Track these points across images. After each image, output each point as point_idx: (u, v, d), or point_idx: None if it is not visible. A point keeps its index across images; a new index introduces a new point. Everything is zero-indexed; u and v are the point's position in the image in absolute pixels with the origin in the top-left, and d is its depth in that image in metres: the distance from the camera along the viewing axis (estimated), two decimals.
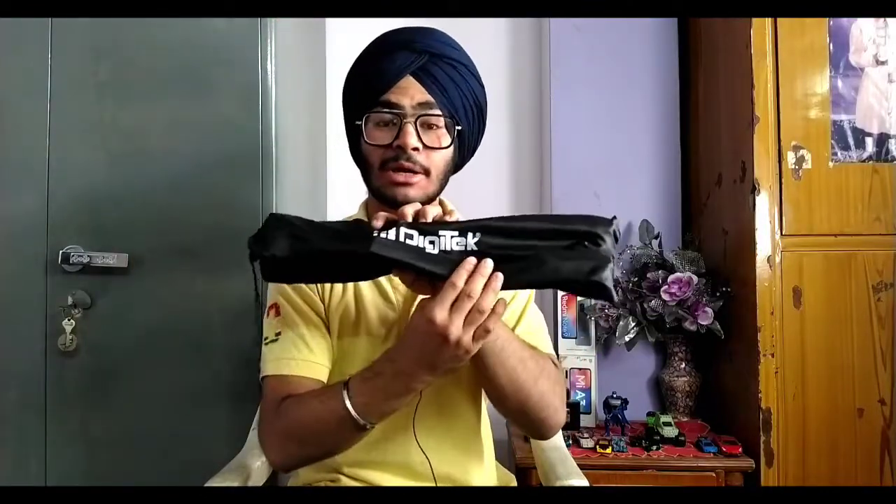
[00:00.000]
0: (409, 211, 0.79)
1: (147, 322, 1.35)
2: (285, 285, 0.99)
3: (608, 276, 0.75)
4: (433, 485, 0.98)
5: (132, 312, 1.36)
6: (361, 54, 1.00)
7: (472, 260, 0.74)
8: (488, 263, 0.74)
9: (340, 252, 0.77)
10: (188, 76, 1.36)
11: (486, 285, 0.73)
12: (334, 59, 1.99)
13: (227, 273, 1.35)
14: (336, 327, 1.00)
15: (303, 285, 0.99)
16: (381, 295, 1.01)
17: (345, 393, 0.83)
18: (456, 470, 1.01)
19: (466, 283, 0.73)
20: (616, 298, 0.78)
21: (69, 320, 1.33)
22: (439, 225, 0.77)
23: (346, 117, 1.02)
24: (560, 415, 0.95)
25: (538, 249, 0.76)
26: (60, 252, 1.33)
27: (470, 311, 0.73)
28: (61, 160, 1.36)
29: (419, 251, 0.75)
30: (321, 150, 1.90)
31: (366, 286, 1.01)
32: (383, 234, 0.75)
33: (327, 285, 1.01)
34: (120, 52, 1.36)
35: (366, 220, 0.88)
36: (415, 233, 0.76)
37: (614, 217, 0.79)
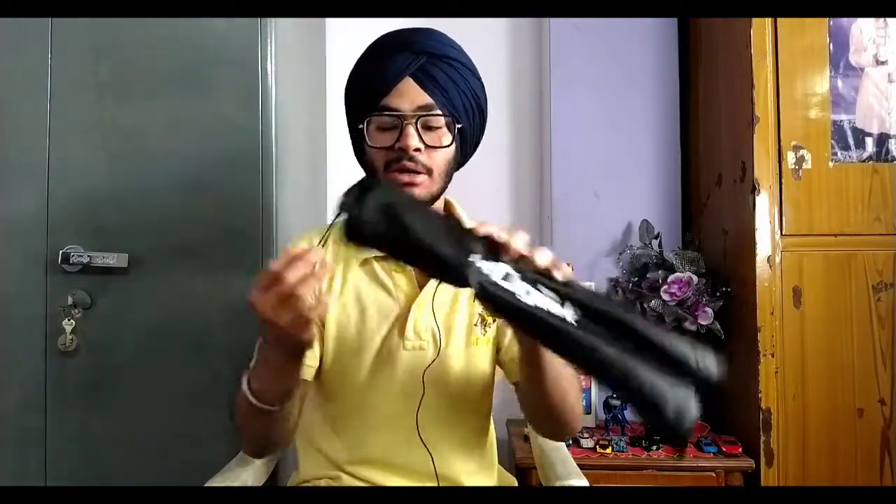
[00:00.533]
0: (519, 247, 0.72)
1: (147, 322, 1.35)
2: None
3: (691, 417, 0.64)
4: (434, 484, 0.98)
5: (132, 312, 1.36)
6: (361, 56, 1.01)
7: (301, 248, 0.73)
8: (316, 254, 0.72)
9: (431, 252, 0.70)
10: (188, 76, 1.36)
11: (308, 275, 0.72)
12: (334, 59, 2.00)
13: (227, 273, 1.35)
14: (335, 324, 1.00)
15: None
16: (382, 290, 1.01)
17: (245, 375, 0.86)
18: (458, 472, 1.01)
19: (283, 267, 0.72)
20: (685, 448, 0.69)
21: (69, 320, 1.33)
22: (541, 278, 0.70)
23: (349, 120, 1.03)
24: (581, 421, 1.02)
25: (631, 354, 0.66)
26: (60, 252, 1.32)
27: (283, 295, 0.72)
28: (61, 160, 1.35)
29: (511, 295, 0.67)
30: (321, 150, 1.90)
31: (365, 282, 1.01)
32: (482, 266, 0.69)
33: (326, 282, 1.01)
34: (120, 52, 1.36)
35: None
36: (517, 276, 0.69)
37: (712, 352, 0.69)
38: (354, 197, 0.71)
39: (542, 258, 0.72)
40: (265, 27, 1.36)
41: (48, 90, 1.36)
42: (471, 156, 1.06)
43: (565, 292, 0.68)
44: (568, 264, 1.78)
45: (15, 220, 1.36)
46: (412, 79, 0.94)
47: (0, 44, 1.36)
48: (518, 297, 0.67)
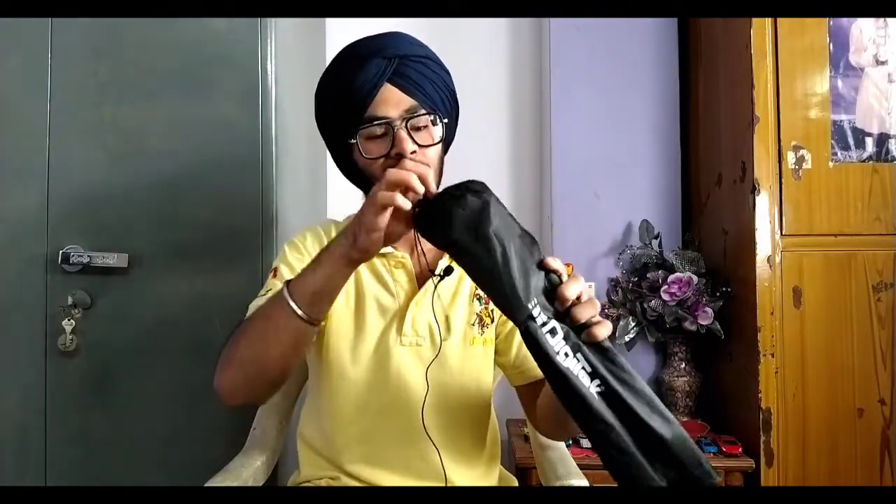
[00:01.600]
0: (569, 294, 0.72)
1: (147, 322, 1.35)
2: (290, 256, 1.01)
3: None
4: (438, 482, 0.99)
5: (132, 312, 1.36)
6: (330, 72, 1.01)
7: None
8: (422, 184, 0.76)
9: (500, 280, 0.72)
10: (188, 76, 1.36)
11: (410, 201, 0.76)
12: None
13: (227, 273, 1.35)
14: (335, 318, 1.01)
15: (308, 255, 1.01)
16: (382, 286, 1.02)
17: (283, 285, 0.84)
18: (455, 469, 1.02)
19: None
20: None
21: (69, 320, 1.33)
22: (583, 346, 0.71)
23: (332, 136, 1.03)
24: None
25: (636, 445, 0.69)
26: (60, 252, 1.32)
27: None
28: (61, 160, 1.35)
29: (548, 349, 0.70)
30: (321, 150, 1.90)
31: (366, 277, 1.02)
32: (535, 312, 0.71)
33: None
34: (120, 52, 1.36)
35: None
36: (560, 335, 0.71)
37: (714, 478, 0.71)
38: (453, 199, 0.73)
39: (582, 313, 0.72)
40: (265, 27, 1.36)
41: (48, 90, 1.36)
42: (450, 144, 1.07)
43: (597, 369, 0.70)
44: (567, 264, 1.78)
45: (15, 220, 1.36)
46: (391, 83, 0.94)
47: (0, 44, 1.36)
48: (553, 353, 0.70)
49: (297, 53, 1.61)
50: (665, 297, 1.63)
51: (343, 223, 1.10)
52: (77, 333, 1.34)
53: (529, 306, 0.71)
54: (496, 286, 0.72)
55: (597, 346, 0.71)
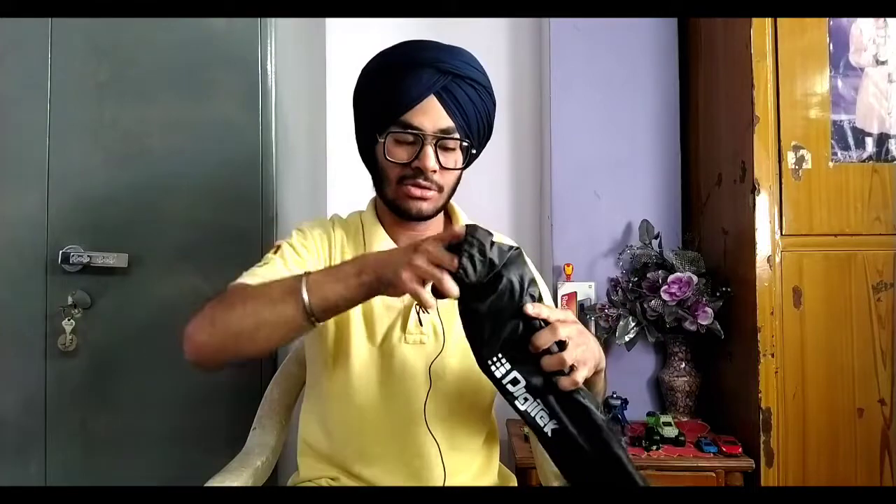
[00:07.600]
0: (541, 343, 0.78)
1: (147, 322, 1.35)
2: (296, 241, 1.01)
3: None
4: (437, 476, 0.99)
5: (132, 312, 1.36)
6: (382, 64, 1.01)
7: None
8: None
9: (475, 335, 0.80)
10: (188, 76, 1.36)
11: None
12: (334, 59, 2.00)
13: (227, 273, 1.34)
14: (342, 315, 1.01)
15: (314, 243, 1.02)
16: None
17: (304, 275, 0.82)
18: (455, 466, 1.02)
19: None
20: None
21: (69, 320, 1.33)
22: (543, 394, 0.80)
23: (362, 125, 1.03)
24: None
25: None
26: (60, 252, 1.33)
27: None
28: (61, 160, 1.35)
29: (510, 395, 0.80)
30: (321, 150, 1.91)
31: None
32: (497, 367, 0.80)
33: (337, 254, 1.03)
34: (120, 52, 1.36)
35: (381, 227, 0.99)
36: (522, 385, 0.80)
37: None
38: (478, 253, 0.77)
39: (547, 364, 0.78)
40: (265, 27, 1.36)
41: (48, 90, 1.36)
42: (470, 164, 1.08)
43: (555, 410, 0.80)
44: (567, 264, 1.78)
45: (15, 221, 1.36)
46: (436, 97, 0.95)
47: (0, 44, 1.36)
48: (514, 398, 0.80)
49: (297, 53, 1.61)
50: (665, 297, 1.63)
51: (348, 219, 1.11)
52: (77, 333, 1.34)
53: (489, 362, 0.80)
54: (470, 335, 0.81)
55: (556, 393, 0.79)
